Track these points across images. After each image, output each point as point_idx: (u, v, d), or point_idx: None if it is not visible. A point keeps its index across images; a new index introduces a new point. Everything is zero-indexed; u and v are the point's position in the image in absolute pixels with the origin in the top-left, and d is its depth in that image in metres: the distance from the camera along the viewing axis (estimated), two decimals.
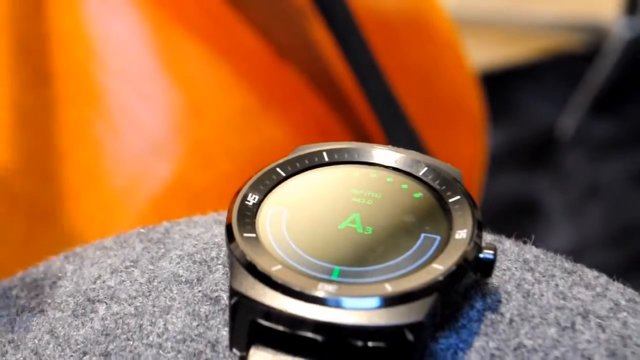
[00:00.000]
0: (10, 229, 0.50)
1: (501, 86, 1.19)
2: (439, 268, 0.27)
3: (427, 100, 0.68)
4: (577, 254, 1.07)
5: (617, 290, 0.30)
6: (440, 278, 0.27)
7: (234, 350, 0.27)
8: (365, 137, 0.62)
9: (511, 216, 1.08)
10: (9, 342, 0.30)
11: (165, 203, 0.52)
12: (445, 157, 0.68)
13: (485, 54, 1.22)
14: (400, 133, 0.62)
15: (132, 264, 0.31)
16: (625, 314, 0.29)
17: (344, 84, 0.62)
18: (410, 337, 0.26)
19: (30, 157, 0.51)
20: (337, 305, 0.26)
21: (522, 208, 1.09)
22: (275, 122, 0.58)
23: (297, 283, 0.27)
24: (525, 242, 0.32)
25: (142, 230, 0.33)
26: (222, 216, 0.33)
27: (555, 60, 1.24)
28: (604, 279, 0.31)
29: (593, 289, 0.30)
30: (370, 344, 0.26)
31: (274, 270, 0.27)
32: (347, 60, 0.61)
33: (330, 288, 0.26)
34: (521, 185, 1.11)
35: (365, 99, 0.61)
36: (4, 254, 0.50)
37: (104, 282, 0.31)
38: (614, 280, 0.31)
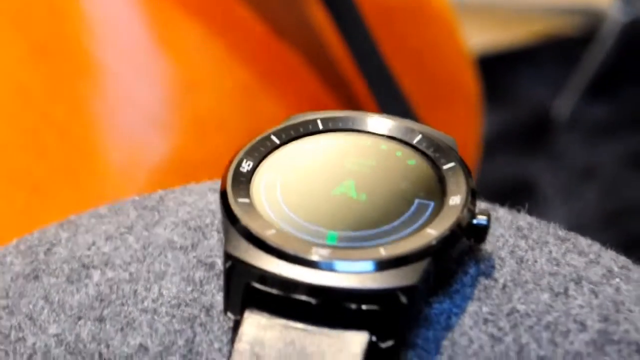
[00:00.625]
0: (9, 204, 0.50)
1: (497, 69, 1.19)
2: (432, 233, 0.27)
3: (423, 81, 0.69)
4: None
5: (610, 257, 0.30)
6: (434, 242, 0.27)
7: (229, 314, 0.27)
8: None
9: (506, 198, 1.07)
10: (3, 308, 0.30)
11: (164, 177, 0.53)
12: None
13: (481, 37, 1.22)
14: (396, 112, 0.62)
15: (126, 230, 0.31)
16: (618, 280, 0.29)
17: (341, 62, 0.62)
18: (404, 300, 0.26)
19: (28, 132, 0.51)
20: (331, 268, 0.26)
21: (517, 190, 1.09)
22: (272, 98, 0.58)
23: (291, 247, 0.27)
24: (519, 211, 0.32)
25: (136, 198, 0.33)
26: (217, 184, 0.33)
27: (551, 44, 1.24)
28: (597, 246, 0.31)
29: (586, 255, 0.30)
30: (364, 307, 0.26)
31: (268, 234, 0.27)
32: (344, 39, 0.61)
33: (324, 252, 0.27)
34: (516, 168, 1.11)
35: (362, 77, 0.61)
36: (3, 228, 0.50)
37: (98, 248, 0.31)
38: (606, 248, 0.31)
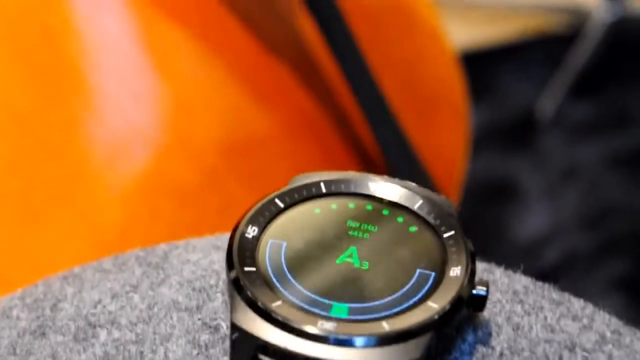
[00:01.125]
0: (4, 228, 0.51)
1: (481, 66, 1.20)
2: (434, 306, 0.28)
3: (410, 91, 0.69)
4: (554, 235, 1.08)
5: (603, 321, 0.31)
6: (436, 317, 0.28)
7: None
8: (350, 131, 0.63)
9: (489, 196, 1.09)
10: None
11: (151, 194, 0.53)
12: (428, 147, 0.69)
13: (465, 34, 1.22)
14: (385, 128, 0.63)
15: (131, 289, 0.32)
16: (610, 346, 0.30)
17: (331, 79, 0.62)
18: None
19: (22, 156, 0.52)
20: (336, 343, 0.27)
21: (499, 188, 1.10)
22: (263, 117, 0.59)
23: (296, 320, 0.27)
24: (514, 271, 0.33)
25: (140, 253, 0.33)
26: (220, 241, 0.33)
27: (535, 42, 1.25)
28: (589, 309, 0.32)
29: (580, 320, 0.31)
30: None
31: (274, 306, 0.28)
32: (334, 55, 0.61)
33: (329, 326, 0.27)
34: (499, 166, 1.12)
35: (352, 93, 0.62)
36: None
37: (104, 306, 0.31)
38: (599, 309, 0.32)
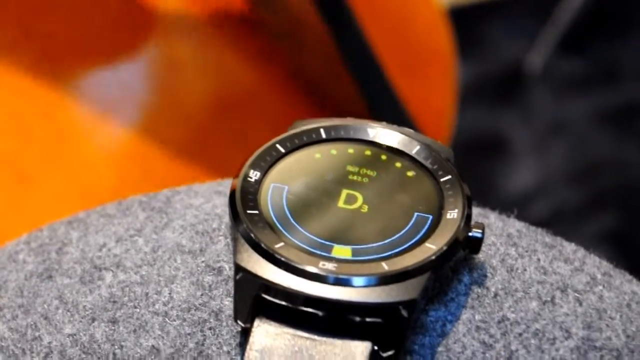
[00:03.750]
0: None
1: (469, 21, 1.20)
2: (431, 247, 0.29)
3: (398, 45, 0.70)
4: (542, 190, 1.09)
5: (594, 263, 0.32)
6: (433, 257, 0.29)
7: (238, 322, 0.29)
8: (339, 86, 0.64)
9: (477, 151, 1.10)
10: (19, 307, 0.31)
11: (142, 153, 0.54)
12: (416, 101, 0.70)
13: None
14: (373, 82, 0.63)
15: (136, 232, 0.32)
16: (601, 287, 0.31)
17: (318, 34, 0.63)
18: (404, 313, 0.28)
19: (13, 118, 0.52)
20: (337, 282, 0.28)
21: (488, 143, 1.11)
22: (250, 76, 0.59)
23: (298, 260, 0.28)
24: (508, 216, 0.34)
25: (143, 198, 0.34)
26: (222, 186, 0.34)
27: None
28: (581, 252, 0.33)
29: (572, 263, 0.32)
30: (367, 319, 0.28)
31: (277, 247, 0.29)
32: (321, 10, 0.62)
33: (330, 266, 0.28)
34: (488, 121, 1.13)
35: (340, 48, 0.62)
36: None
37: (109, 250, 0.32)
38: (590, 252, 0.33)
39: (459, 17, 1.01)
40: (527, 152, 1.09)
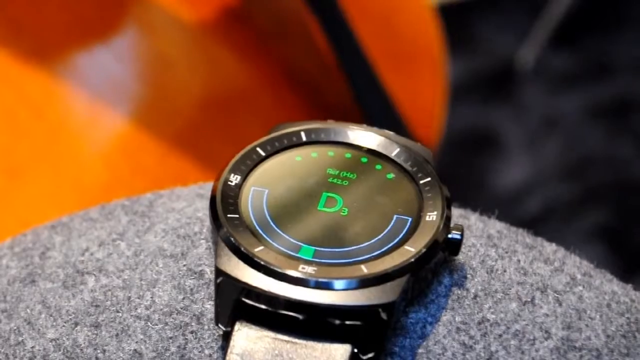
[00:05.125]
0: None
1: (461, 16, 1.20)
2: (410, 250, 0.29)
3: (388, 41, 0.70)
4: (534, 185, 1.09)
5: (574, 264, 0.32)
6: (412, 260, 0.29)
7: (219, 325, 0.29)
8: (329, 83, 0.64)
9: (469, 147, 1.10)
10: (2, 312, 0.31)
11: (133, 149, 0.54)
12: (406, 97, 0.70)
13: None
14: (363, 79, 0.63)
15: (118, 236, 0.33)
16: (580, 287, 0.31)
17: (309, 31, 0.63)
18: (384, 316, 0.28)
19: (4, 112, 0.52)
20: (316, 286, 0.28)
21: (480, 139, 1.11)
22: (241, 71, 0.59)
23: (278, 264, 0.28)
24: (489, 217, 0.34)
25: (126, 202, 0.34)
26: (203, 189, 0.34)
27: None
28: (561, 253, 0.33)
29: (551, 263, 0.32)
30: (347, 322, 0.28)
31: (257, 251, 0.29)
32: (311, 6, 0.62)
33: (310, 269, 0.28)
34: (480, 117, 1.13)
35: (330, 44, 0.63)
36: None
37: (92, 254, 0.32)
38: (570, 253, 0.33)
39: (450, 13, 1.01)
40: (519, 147, 1.09)
